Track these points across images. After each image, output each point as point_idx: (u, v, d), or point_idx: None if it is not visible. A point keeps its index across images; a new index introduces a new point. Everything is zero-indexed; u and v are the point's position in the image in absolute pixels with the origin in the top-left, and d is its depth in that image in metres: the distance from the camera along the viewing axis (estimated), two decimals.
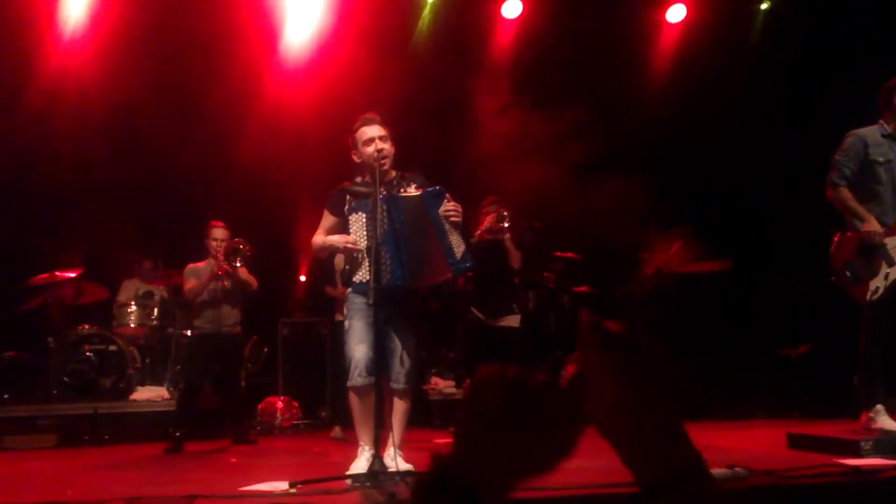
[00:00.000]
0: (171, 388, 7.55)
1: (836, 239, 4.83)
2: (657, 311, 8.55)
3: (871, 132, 4.79)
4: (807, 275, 7.84)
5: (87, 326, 7.73)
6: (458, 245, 4.09)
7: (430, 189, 4.16)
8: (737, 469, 3.46)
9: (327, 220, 4.37)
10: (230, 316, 6.58)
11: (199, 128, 8.25)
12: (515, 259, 6.80)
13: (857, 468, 3.59)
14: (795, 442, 4.69)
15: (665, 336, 8.38)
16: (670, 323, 8.36)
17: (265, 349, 8.29)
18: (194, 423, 6.58)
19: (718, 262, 8.48)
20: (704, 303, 8.25)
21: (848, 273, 4.68)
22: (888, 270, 4.56)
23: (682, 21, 9.10)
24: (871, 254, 4.59)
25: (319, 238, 4.34)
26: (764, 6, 9.21)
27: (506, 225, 6.65)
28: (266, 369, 8.31)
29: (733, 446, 5.13)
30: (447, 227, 4.08)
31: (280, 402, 7.74)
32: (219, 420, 6.98)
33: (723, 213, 8.76)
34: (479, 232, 6.69)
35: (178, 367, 7.71)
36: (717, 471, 3.43)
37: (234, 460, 5.61)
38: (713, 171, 8.91)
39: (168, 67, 8.22)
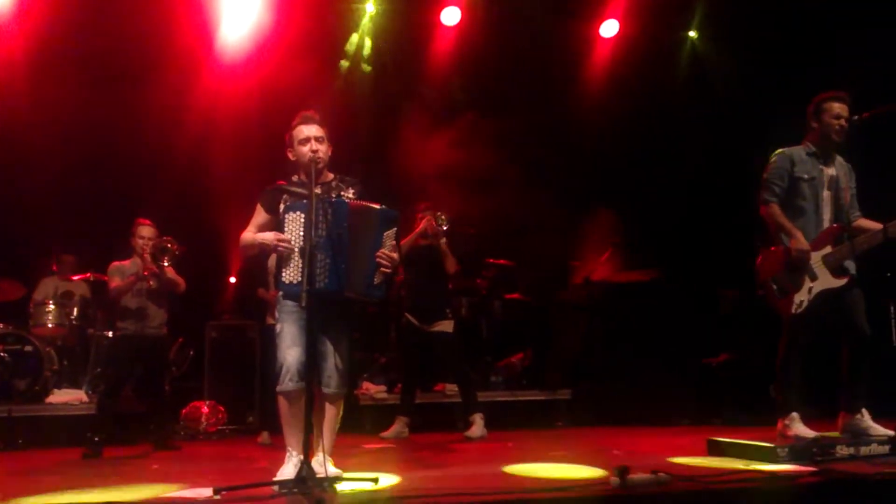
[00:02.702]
0: (91, 392, 7.33)
1: (761, 253, 4.98)
2: (586, 318, 8.71)
3: (797, 151, 4.97)
4: (729, 285, 8.11)
5: (1, 325, 7.45)
6: (379, 272, 4.07)
7: (389, 210, 4.12)
8: (660, 474, 3.54)
9: (260, 216, 4.28)
10: (156, 317, 6.42)
11: (127, 122, 8.06)
12: (451, 263, 6.82)
13: (773, 474, 3.71)
14: (715, 448, 4.83)
15: (592, 343, 8.56)
16: (598, 330, 8.54)
17: (191, 352, 8.11)
18: (115, 428, 6.40)
19: (645, 271, 8.68)
20: (631, 311, 8.43)
21: (774, 287, 4.83)
22: (811, 284, 4.73)
23: (616, 36, 9.28)
24: (797, 268, 4.76)
25: (249, 235, 4.24)
26: (692, 34, 9.47)
27: (444, 228, 6.67)
28: (192, 373, 8.13)
29: (657, 452, 5.25)
30: (381, 251, 4.06)
31: (205, 407, 7.57)
32: (141, 425, 6.80)
33: (650, 224, 8.96)
34: (412, 236, 6.70)
35: (99, 370, 7.50)
36: (640, 476, 3.50)
37: (155, 466, 5.47)
38: (642, 183, 9.13)
39: (99, 62, 8.02)
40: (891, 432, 4.46)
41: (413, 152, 8.30)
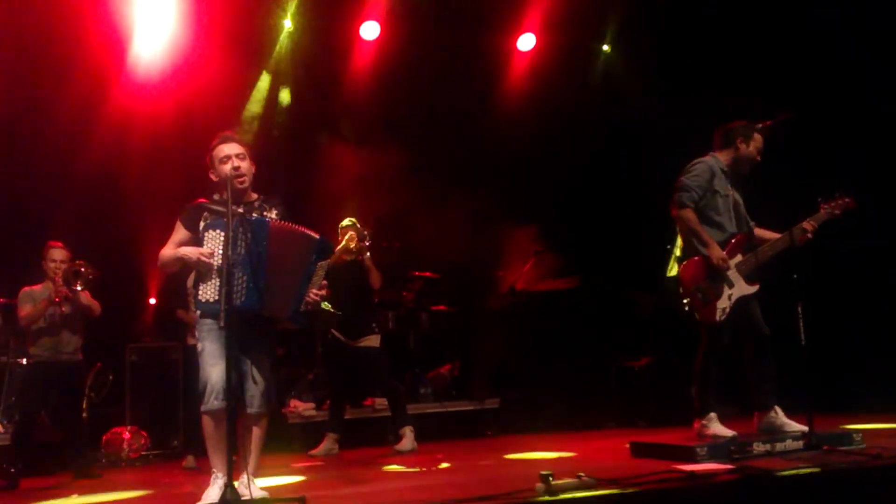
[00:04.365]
0: (6, 422, 7.06)
1: (682, 263, 5.07)
2: (511, 327, 8.80)
3: (715, 164, 5.08)
4: (647, 290, 8.32)
5: None
6: (307, 300, 4.07)
7: (327, 241, 4.14)
8: (584, 478, 3.61)
9: (180, 233, 4.21)
10: (70, 342, 6.23)
11: (39, 141, 7.81)
12: (376, 278, 6.80)
13: (693, 473, 3.81)
14: (638, 450, 4.94)
15: (518, 352, 8.66)
16: (523, 339, 8.64)
17: (110, 377, 7.86)
18: (31, 458, 6.19)
19: (567, 279, 8.84)
20: (554, 318, 8.56)
21: (700, 295, 4.92)
22: (730, 292, 4.90)
23: (532, 50, 9.44)
24: (717, 277, 4.91)
25: (169, 251, 4.18)
26: (605, 48, 9.70)
27: (367, 243, 6.65)
28: (112, 398, 7.89)
29: (582, 456, 5.35)
30: (313, 279, 4.06)
31: (127, 433, 7.37)
32: (59, 454, 6.58)
33: (570, 232, 9.13)
34: (336, 252, 6.65)
35: (13, 399, 7.23)
36: (565, 480, 3.56)
37: (75, 496, 5.30)
38: (564, 192, 9.31)
39: (5, 78, 7.73)
40: (804, 427, 4.64)
41: (335, 167, 8.27)
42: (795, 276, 4.51)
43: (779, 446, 4.48)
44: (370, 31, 8.87)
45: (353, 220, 6.85)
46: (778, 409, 4.91)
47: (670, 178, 5.16)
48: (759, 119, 5.09)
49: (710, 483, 3.71)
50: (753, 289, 4.93)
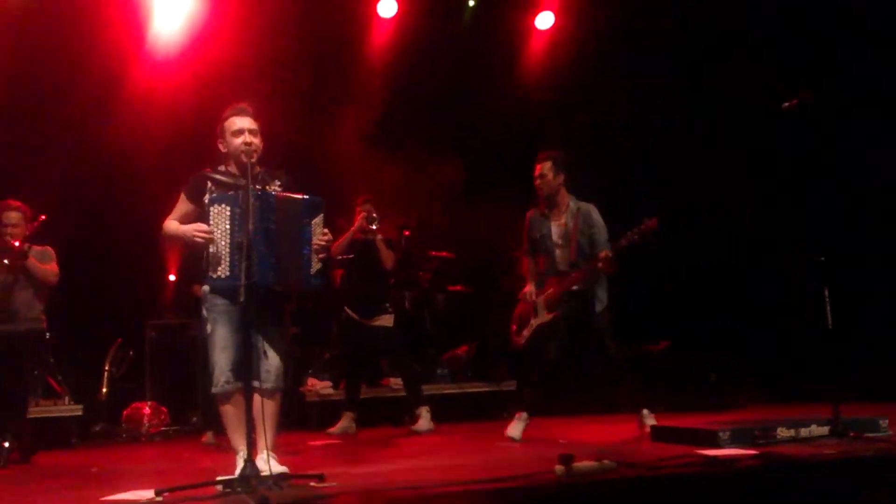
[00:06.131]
0: None
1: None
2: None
3: (535, 214, 5.82)
4: (668, 275, 8.25)
5: None
6: (315, 261, 4.06)
7: (313, 198, 4.10)
8: (605, 462, 3.58)
9: (184, 205, 4.18)
10: (30, 309, 5.88)
11: (61, 120, 7.81)
12: (388, 259, 6.77)
13: (714, 458, 3.78)
14: (658, 434, 4.91)
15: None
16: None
17: (130, 352, 7.92)
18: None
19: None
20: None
21: (515, 327, 5.83)
22: (533, 322, 5.71)
23: (551, 28, 9.32)
24: (529, 310, 5.75)
25: (173, 225, 4.15)
26: None
27: (374, 227, 6.62)
28: (132, 374, 7.94)
29: (602, 440, 5.33)
30: (314, 241, 4.04)
31: (147, 408, 7.43)
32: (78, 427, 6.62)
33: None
34: (350, 233, 6.63)
35: None
36: (586, 463, 3.54)
37: (94, 469, 5.34)
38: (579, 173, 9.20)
39: (27, 58, 7.73)
40: None
41: (352, 146, 8.22)
42: (823, 258, 4.44)
43: (803, 432, 4.43)
44: (387, 8, 8.78)
45: (370, 197, 6.81)
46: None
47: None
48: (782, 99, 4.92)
49: (733, 469, 3.67)
50: (548, 318, 5.64)
